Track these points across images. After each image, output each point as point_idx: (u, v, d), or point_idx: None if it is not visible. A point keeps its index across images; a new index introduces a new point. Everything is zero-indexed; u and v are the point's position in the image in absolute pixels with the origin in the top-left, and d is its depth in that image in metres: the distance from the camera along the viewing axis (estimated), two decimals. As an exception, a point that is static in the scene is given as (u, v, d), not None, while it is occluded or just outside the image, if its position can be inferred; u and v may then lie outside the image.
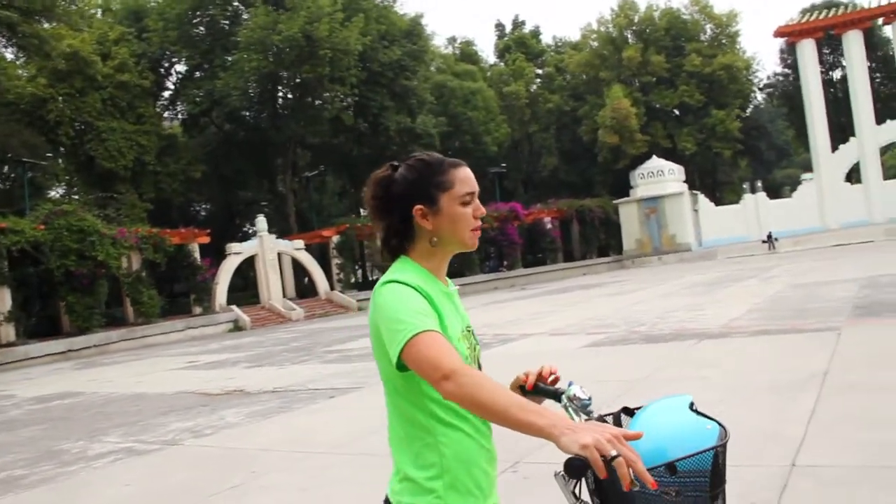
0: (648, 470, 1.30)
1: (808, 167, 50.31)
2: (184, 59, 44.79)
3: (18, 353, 23.67)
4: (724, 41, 56.14)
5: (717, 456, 1.53)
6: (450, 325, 1.69)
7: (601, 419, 1.72)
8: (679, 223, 47.67)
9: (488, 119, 52.16)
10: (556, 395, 1.78)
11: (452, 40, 65.66)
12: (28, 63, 38.11)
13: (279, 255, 35.88)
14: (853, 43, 48.12)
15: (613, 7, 58.79)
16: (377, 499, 1.85)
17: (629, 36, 57.26)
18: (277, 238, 36.49)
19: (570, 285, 33.32)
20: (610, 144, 51.59)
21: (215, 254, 34.55)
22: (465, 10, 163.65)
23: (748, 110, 59.93)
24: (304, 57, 38.02)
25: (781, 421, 5.62)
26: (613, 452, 1.27)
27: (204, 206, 55.63)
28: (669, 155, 52.15)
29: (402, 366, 1.59)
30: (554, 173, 59.08)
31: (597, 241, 50.80)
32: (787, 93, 59.35)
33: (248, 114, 45.81)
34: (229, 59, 40.68)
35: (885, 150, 51.21)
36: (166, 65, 45.78)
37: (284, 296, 35.63)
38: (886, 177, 48.52)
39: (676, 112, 56.61)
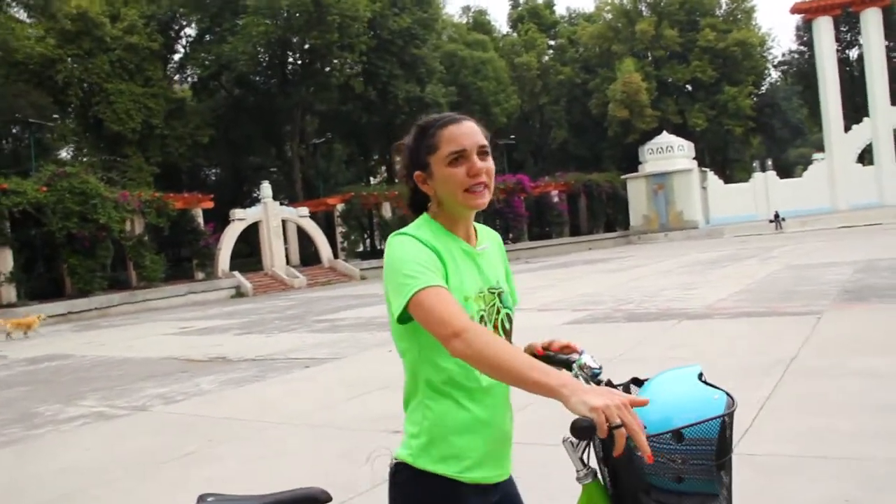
0: (655, 436, 1.34)
1: (822, 147, 49.67)
2: (193, 21, 44.60)
3: (18, 314, 23.84)
4: (739, 16, 55.44)
5: (724, 425, 1.54)
6: (461, 283, 1.70)
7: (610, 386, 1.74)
8: (687, 200, 47.29)
9: (499, 90, 51.68)
10: (567, 364, 1.82)
11: (467, 10, 65.14)
12: (36, 24, 37.97)
13: (284, 222, 35.92)
14: (871, 21, 47.28)
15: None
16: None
17: (643, 9, 56.62)
18: (282, 205, 36.48)
19: (574, 260, 33.24)
20: (620, 119, 51.24)
21: (221, 219, 34.58)
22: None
23: (763, 88, 59.18)
24: (312, 22, 37.78)
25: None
26: (618, 421, 1.30)
27: (213, 170, 55.73)
28: (679, 131, 51.64)
29: (402, 318, 1.61)
30: (563, 146, 58.72)
31: (604, 215, 50.67)
32: (803, 71, 58.55)
33: (257, 79, 45.73)
34: (239, 22, 40.45)
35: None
36: (176, 27, 45.63)
37: (288, 263, 35.74)
38: (900, 159, 47.85)
39: (688, 87, 56.09)
